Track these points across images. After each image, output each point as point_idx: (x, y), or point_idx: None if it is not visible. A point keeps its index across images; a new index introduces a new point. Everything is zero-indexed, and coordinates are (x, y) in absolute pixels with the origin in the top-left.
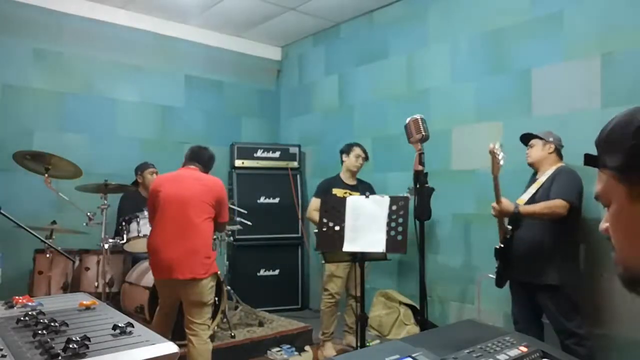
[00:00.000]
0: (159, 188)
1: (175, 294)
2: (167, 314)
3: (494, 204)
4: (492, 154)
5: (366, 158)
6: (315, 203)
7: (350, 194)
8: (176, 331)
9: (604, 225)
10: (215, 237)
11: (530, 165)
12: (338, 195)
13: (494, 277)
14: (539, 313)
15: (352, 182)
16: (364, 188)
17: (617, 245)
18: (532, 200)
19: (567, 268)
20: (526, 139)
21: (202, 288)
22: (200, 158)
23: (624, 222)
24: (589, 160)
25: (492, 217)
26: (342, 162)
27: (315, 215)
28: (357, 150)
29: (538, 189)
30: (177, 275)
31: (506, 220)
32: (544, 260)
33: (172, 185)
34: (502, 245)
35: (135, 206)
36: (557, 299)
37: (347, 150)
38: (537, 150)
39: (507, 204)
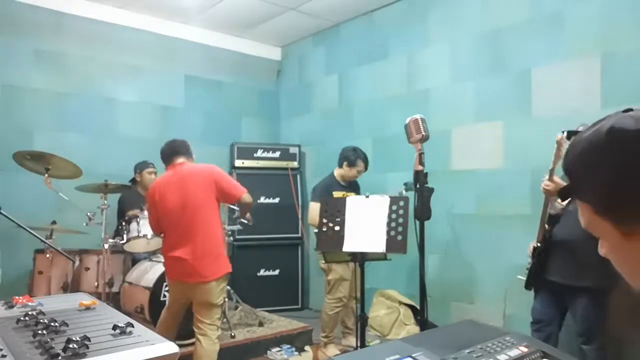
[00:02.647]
0: (162, 196)
1: (185, 296)
2: (175, 314)
3: (548, 182)
4: (558, 144)
5: (365, 170)
6: (317, 208)
7: (347, 195)
8: (178, 331)
9: (601, 250)
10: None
11: (557, 190)
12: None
13: (524, 278)
14: (563, 314)
15: (346, 183)
16: (355, 187)
17: (625, 275)
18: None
19: (611, 272)
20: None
21: (212, 290)
22: (183, 149)
23: (622, 260)
24: (564, 194)
25: (492, 217)
26: (340, 166)
27: None
28: (360, 166)
29: None
30: (190, 279)
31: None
32: (588, 262)
33: (175, 190)
34: (539, 244)
35: (134, 206)
36: (594, 302)
37: (352, 162)
38: None
39: (559, 181)
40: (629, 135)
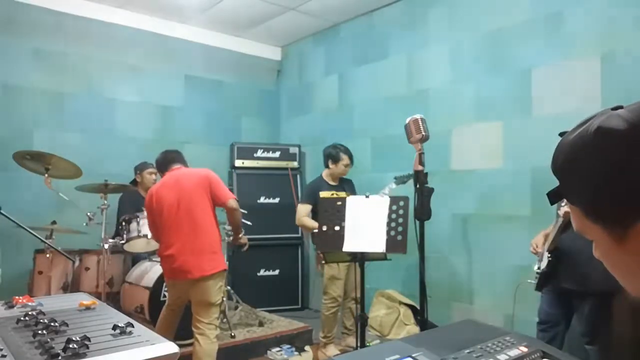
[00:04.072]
0: (159, 199)
1: (184, 294)
2: (174, 311)
3: (568, 209)
4: None
5: (352, 164)
6: (304, 209)
7: (337, 194)
8: (177, 331)
9: (596, 253)
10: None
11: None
12: (326, 197)
13: (534, 282)
14: (570, 315)
15: (336, 183)
16: (347, 186)
17: (617, 279)
18: None
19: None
20: None
21: (210, 288)
22: (178, 158)
23: (614, 264)
24: (554, 198)
25: (492, 217)
26: (327, 166)
27: (306, 221)
28: (345, 160)
29: None
30: (187, 276)
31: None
32: (594, 267)
33: (171, 190)
34: (553, 257)
35: (134, 206)
36: (600, 304)
37: (335, 157)
38: None
39: None
40: (616, 136)
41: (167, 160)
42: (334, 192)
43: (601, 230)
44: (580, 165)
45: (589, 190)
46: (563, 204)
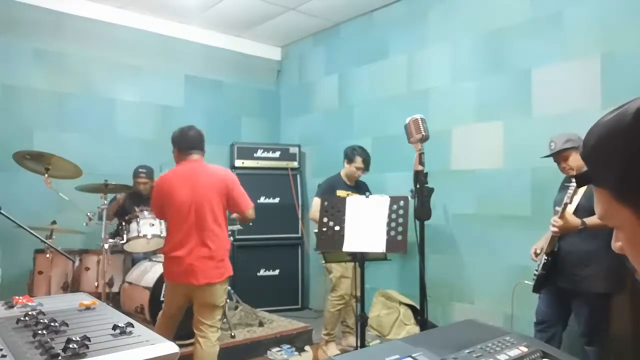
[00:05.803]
0: (171, 188)
1: (186, 297)
2: (172, 317)
3: (557, 220)
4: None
5: (366, 169)
6: (318, 203)
7: (352, 195)
8: (177, 331)
9: (616, 244)
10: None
11: (572, 175)
12: (341, 196)
13: (532, 283)
14: (567, 315)
15: (352, 183)
16: (362, 187)
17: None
18: (577, 208)
19: (616, 277)
20: (559, 153)
21: (216, 291)
22: (199, 144)
23: (638, 248)
24: (581, 180)
25: (492, 217)
26: (343, 164)
27: None
28: (358, 162)
29: (581, 197)
30: (192, 281)
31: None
32: (593, 268)
33: (186, 188)
34: (549, 259)
35: (129, 206)
36: (599, 305)
37: (350, 157)
38: (577, 159)
39: (572, 219)
40: None
41: (188, 144)
42: (349, 192)
43: (628, 213)
44: (615, 147)
45: (623, 170)
46: (554, 219)
